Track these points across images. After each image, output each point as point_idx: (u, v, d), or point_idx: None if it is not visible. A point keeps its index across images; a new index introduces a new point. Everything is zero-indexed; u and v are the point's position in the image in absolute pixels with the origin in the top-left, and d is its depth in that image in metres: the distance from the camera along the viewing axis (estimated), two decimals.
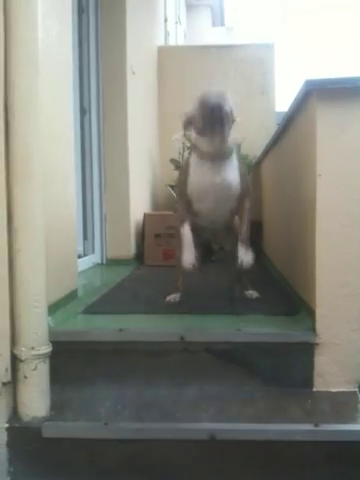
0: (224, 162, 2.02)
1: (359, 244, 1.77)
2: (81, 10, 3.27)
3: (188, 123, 2.02)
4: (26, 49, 1.57)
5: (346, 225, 1.78)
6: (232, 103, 1.97)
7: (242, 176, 2.07)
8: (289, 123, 2.39)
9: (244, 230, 2.10)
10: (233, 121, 1.99)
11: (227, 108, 1.92)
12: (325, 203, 1.79)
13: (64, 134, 2.25)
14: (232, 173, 2.04)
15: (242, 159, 4.16)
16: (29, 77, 1.58)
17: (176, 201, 2.31)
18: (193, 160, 2.07)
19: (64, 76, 2.26)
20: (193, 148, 2.10)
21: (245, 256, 2.05)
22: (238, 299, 2.29)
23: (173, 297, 2.26)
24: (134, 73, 3.65)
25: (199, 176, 2.02)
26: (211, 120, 1.90)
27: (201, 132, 1.96)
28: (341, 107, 1.77)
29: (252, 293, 2.32)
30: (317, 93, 1.78)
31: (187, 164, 2.13)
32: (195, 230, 2.11)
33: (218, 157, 2.00)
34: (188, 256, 2.01)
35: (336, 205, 1.78)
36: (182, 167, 2.26)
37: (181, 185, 2.13)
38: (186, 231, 2.05)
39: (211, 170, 2.00)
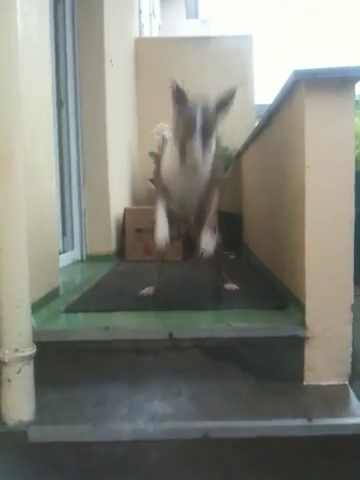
0: None
1: (349, 236, 1.75)
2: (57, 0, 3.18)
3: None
4: (6, 38, 1.49)
5: (336, 217, 1.76)
6: (216, 113, 1.90)
7: (214, 164, 2.01)
8: (274, 114, 2.36)
9: (209, 218, 2.07)
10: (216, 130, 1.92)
11: (211, 124, 1.86)
12: (314, 195, 1.77)
13: (44, 128, 2.17)
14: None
15: (222, 152, 4.14)
16: (9, 68, 1.50)
17: (154, 182, 2.34)
18: (168, 145, 2.03)
19: (43, 67, 2.18)
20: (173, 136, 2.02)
21: (206, 245, 2.02)
22: (223, 293, 2.27)
23: (146, 291, 2.24)
24: (112, 64, 3.57)
25: (170, 160, 1.99)
26: (192, 135, 1.81)
27: (180, 142, 1.88)
28: (330, 97, 1.74)
29: (231, 286, 2.33)
30: (306, 83, 1.75)
31: (163, 149, 2.12)
32: (171, 216, 2.09)
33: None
34: (161, 233, 1.99)
35: (325, 197, 1.76)
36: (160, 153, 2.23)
37: (157, 168, 2.15)
38: (160, 210, 2.04)
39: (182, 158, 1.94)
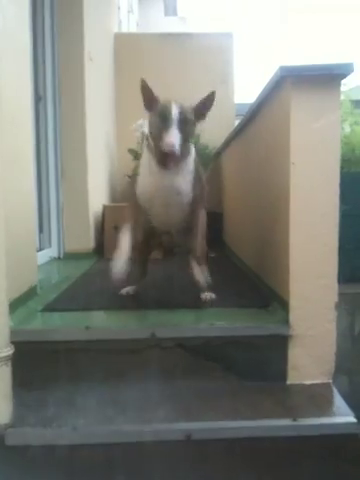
0: (175, 168, 1.85)
1: (334, 234, 1.74)
2: None
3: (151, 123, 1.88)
4: None
5: (321, 214, 1.74)
6: (193, 116, 1.85)
7: (196, 183, 1.94)
8: (258, 111, 2.34)
9: (197, 245, 1.99)
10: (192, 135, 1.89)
11: (188, 120, 1.80)
12: (299, 192, 1.75)
13: (23, 120, 2.10)
14: (183, 179, 1.91)
15: (202, 150, 4.11)
16: None
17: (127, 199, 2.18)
18: (145, 158, 1.94)
19: (21, 58, 2.11)
20: (148, 145, 1.94)
21: (201, 277, 1.99)
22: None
23: (126, 290, 2.17)
24: (91, 59, 3.50)
25: (147, 177, 1.91)
26: (168, 126, 1.75)
27: (155, 138, 1.82)
28: (316, 94, 1.73)
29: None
30: (292, 80, 1.73)
31: (139, 163, 2.00)
32: (149, 229, 2.04)
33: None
34: (118, 267, 1.91)
35: (311, 194, 1.74)
36: (136, 167, 2.12)
37: (132, 184, 2.03)
38: (124, 238, 1.95)
39: (160, 173, 1.86)
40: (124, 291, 2.17)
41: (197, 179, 1.96)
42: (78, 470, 1.47)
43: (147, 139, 1.95)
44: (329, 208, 1.74)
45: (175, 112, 1.77)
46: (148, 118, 1.91)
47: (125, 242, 1.96)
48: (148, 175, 1.91)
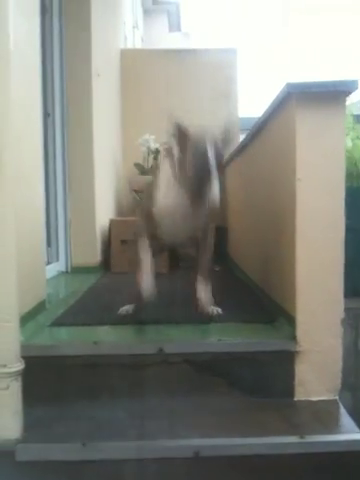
0: None
1: (340, 249, 1.75)
2: (44, 10, 3.15)
3: (169, 154, 1.87)
4: None
5: (327, 230, 1.76)
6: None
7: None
8: (264, 126, 2.37)
9: (203, 264, 2.00)
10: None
11: (222, 160, 1.78)
12: (305, 208, 1.77)
13: (32, 137, 2.14)
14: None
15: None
16: (1, 79, 1.48)
17: (138, 213, 2.15)
18: (164, 178, 1.91)
19: (32, 76, 2.15)
20: (171, 166, 1.89)
21: (204, 295, 1.97)
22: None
23: (125, 309, 2.13)
24: (99, 75, 3.55)
25: (166, 197, 1.89)
26: (210, 174, 1.72)
27: (195, 182, 1.77)
28: (321, 111, 1.75)
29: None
30: (297, 96, 1.76)
31: (156, 178, 1.97)
32: (156, 241, 2.02)
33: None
34: (147, 283, 1.91)
35: (316, 210, 1.76)
36: (151, 182, 2.08)
37: (147, 200, 2.00)
38: (144, 252, 1.95)
39: (180, 194, 1.84)
40: (123, 310, 2.13)
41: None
42: None
43: (171, 159, 1.89)
44: (335, 223, 1.76)
45: (213, 157, 1.73)
46: (179, 151, 1.83)
47: (146, 256, 1.96)
48: (167, 195, 1.89)
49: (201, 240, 2.02)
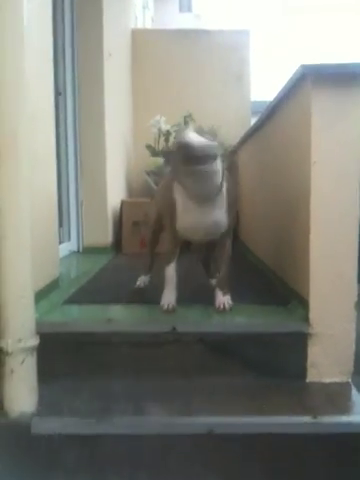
0: (212, 201, 1.83)
1: (355, 233, 1.74)
2: None
3: (168, 159, 1.87)
4: (12, 29, 1.46)
5: (342, 214, 1.75)
6: (219, 147, 1.78)
7: (230, 209, 1.90)
8: (277, 109, 2.34)
9: (223, 274, 1.98)
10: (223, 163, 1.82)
11: (211, 160, 1.71)
12: (320, 192, 1.75)
13: (46, 116, 2.14)
14: (220, 212, 1.87)
15: (219, 147, 4.11)
16: (15, 55, 1.47)
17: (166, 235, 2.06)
18: (179, 195, 1.85)
19: (44, 57, 2.14)
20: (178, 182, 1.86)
21: (223, 301, 1.93)
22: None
23: (142, 280, 2.21)
24: (110, 55, 3.53)
25: (188, 215, 1.86)
26: (192, 173, 1.71)
27: (182, 182, 1.79)
28: (337, 93, 1.72)
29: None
30: (312, 78, 1.73)
31: (171, 191, 1.88)
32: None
33: (205, 199, 1.82)
34: (168, 297, 1.91)
35: (332, 194, 1.75)
36: (164, 188, 2.01)
37: (170, 217, 1.92)
38: (170, 272, 1.94)
39: (199, 210, 1.83)
40: (141, 282, 2.22)
41: (231, 205, 1.91)
42: (101, 459, 1.50)
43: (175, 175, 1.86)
44: (350, 207, 1.74)
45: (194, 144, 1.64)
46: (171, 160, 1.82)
47: (173, 277, 1.94)
48: (186, 212, 1.86)
49: (220, 251, 2.00)
